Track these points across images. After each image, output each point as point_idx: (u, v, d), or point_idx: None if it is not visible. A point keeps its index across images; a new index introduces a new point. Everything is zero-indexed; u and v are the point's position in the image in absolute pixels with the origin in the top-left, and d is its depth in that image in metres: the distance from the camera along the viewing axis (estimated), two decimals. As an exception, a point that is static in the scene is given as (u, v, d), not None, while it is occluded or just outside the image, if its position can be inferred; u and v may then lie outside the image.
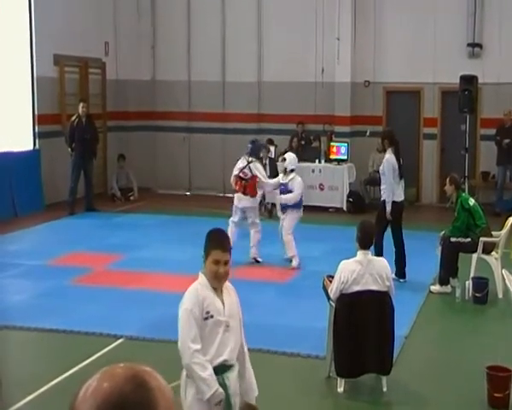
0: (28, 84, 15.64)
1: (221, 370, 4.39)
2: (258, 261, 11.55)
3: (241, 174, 11.35)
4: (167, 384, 1.51)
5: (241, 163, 11.45)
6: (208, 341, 4.37)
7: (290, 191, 11.26)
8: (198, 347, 4.31)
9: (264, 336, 7.95)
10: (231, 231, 10.82)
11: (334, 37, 16.89)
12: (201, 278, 4.46)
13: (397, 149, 10.78)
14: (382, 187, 10.73)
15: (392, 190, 10.52)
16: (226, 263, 4.37)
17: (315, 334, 7.94)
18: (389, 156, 10.63)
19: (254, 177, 11.29)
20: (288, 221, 11.30)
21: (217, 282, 4.41)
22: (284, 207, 11.37)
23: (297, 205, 11.32)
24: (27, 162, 15.45)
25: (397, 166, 10.60)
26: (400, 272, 10.46)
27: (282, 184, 11.47)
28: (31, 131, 15.81)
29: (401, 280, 10.37)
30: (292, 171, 11.44)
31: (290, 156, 11.69)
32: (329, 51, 17.01)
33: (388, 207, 10.49)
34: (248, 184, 11.29)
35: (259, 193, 11.76)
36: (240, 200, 11.41)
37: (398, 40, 16.93)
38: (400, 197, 10.72)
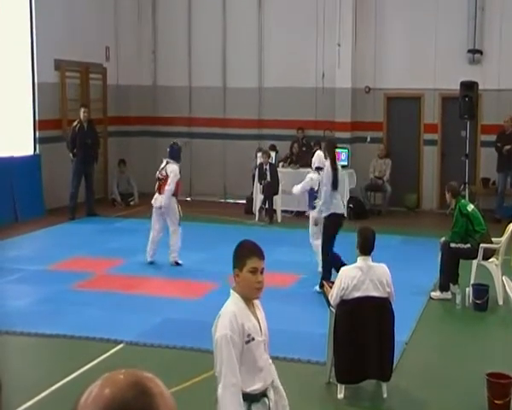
0: (29, 90, 15.65)
1: (264, 393, 4.19)
2: (179, 264, 11.55)
3: (158, 175, 11.68)
4: (169, 391, 1.51)
5: (162, 164, 11.77)
6: (254, 368, 4.10)
7: (312, 189, 11.11)
8: (235, 380, 3.97)
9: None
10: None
11: (335, 42, 16.89)
12: (234, 296, 4.14)
13: (333, 159, 10.47)
14: (322, 196, 10.40)
15: (330, 202, 10.29)
16: (262, 272, 4.09)
17: (315, 340, 7.93)
18: (327, 167, 10.42)
19: (167, 177, 11.50)
20: (310, 223, 11.23)
21: (255, 293, 4.11)
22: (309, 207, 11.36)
23: (310, 204, 11.23)
24: (28, 167, 15.46)
25: (331, 177, 10.28)
26: (326, 275, 9.96)
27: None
28: (31, 136, 15.82)
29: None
30: (318, 169, 11.04)
31: (317, 155, 11.47)
32: (330, 57, 17.02)
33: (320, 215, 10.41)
34: (162, 184, 11.54)
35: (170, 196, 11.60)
36: (155, 199, 11.67)
37: (398, 46, 16.94)
38: (341, 209, 10.51)
